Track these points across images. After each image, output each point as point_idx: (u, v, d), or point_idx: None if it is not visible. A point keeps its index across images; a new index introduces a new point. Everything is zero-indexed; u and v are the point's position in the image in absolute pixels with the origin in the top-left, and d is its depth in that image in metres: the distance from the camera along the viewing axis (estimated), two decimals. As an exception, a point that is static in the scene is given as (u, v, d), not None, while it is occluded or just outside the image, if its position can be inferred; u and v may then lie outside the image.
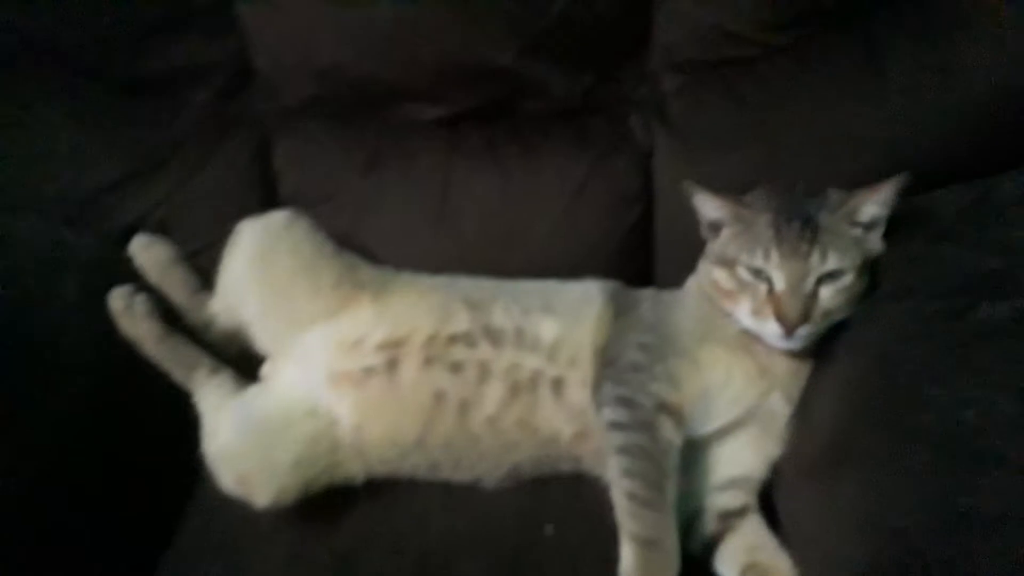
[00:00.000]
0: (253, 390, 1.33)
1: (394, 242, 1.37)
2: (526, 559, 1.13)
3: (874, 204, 1.08)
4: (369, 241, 1.40)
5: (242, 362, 1.35)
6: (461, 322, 1.23)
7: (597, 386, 1.11)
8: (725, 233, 1.14)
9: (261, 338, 1.34)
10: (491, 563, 1.12)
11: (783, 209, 1.09)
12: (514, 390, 1.18)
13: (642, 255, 1.40)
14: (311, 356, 1.26)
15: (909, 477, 0.89)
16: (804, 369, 1.12)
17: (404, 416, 1.20)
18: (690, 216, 1.13)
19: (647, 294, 1.27)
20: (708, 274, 1.16)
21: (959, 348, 0.94)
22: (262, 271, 1.29)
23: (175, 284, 1.41)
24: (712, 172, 1.25)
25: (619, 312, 1.22)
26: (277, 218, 1.32)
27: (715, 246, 1.16)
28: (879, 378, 1.00)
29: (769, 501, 1.12)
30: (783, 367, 1.11)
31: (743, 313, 1.08)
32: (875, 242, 1.10)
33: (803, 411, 1.12)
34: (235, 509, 1.19)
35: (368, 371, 1.21)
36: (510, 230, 1.35)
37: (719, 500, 1.12)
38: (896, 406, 0.95)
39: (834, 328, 1.08)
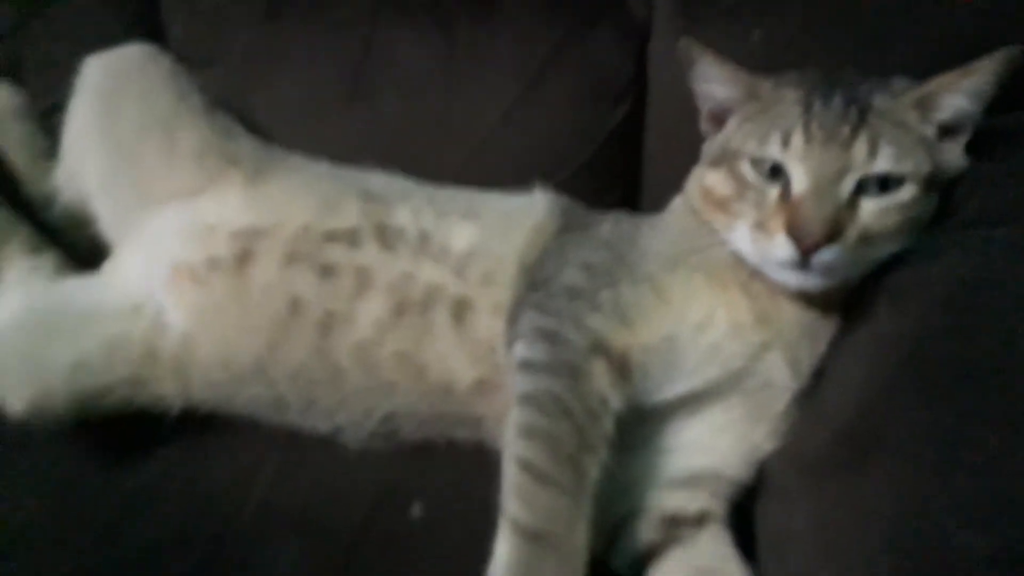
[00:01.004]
0: (75, 279, 1.01)
1: (293, 118, 1.10)
2: (368, 552, 0.77)
3: (961, 94, 0.72)
4: (262, 113, 1.09)
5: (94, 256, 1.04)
6: (347, 216, 0.91)
7: (515, 315, 0.80)
8: (732, 121, 0.80)
9: (103, 217, 1.03)
10: (314, 557, 0.77)
11: (821, 87, 0.74)
12: (399, 309, 0.85)
13: (626, 175, 1.09)
14: (155, 242, 0.95)
15: (966, 468, 0.51)
16: (824, 329, 0.77)
17: (244, 327, 0.88)
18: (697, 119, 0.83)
19: (615, 216, 0.92)
20: (699, 181, 0.82)
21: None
22: (106, 121, 0.99)
23: (16, 141, 1.12)
24: (743, 56, 0.87)
25: (566, 228, 0.89)
26: (129, 52, 1.01)
27: (715, 141, 0.81)
28: (935, 335, 0.62)
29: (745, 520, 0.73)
30: (792, 317, 0.76)
31: (741, 230, 0.74)
32: (954, 153, 0.75)
33: (818, 390, 0.75)
34: (4, 430, 0.85)
35: (213, 263, 0.90)
36: (445, 118, 1.06)
37: (670, 500, 0.76)
38: (958, 375, 0.58)
39: (879, 270, 0.72)
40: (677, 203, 0.86)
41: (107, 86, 0.99)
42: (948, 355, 0.61)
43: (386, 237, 0.89)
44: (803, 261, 0.68)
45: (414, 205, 0.93)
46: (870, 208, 0.69)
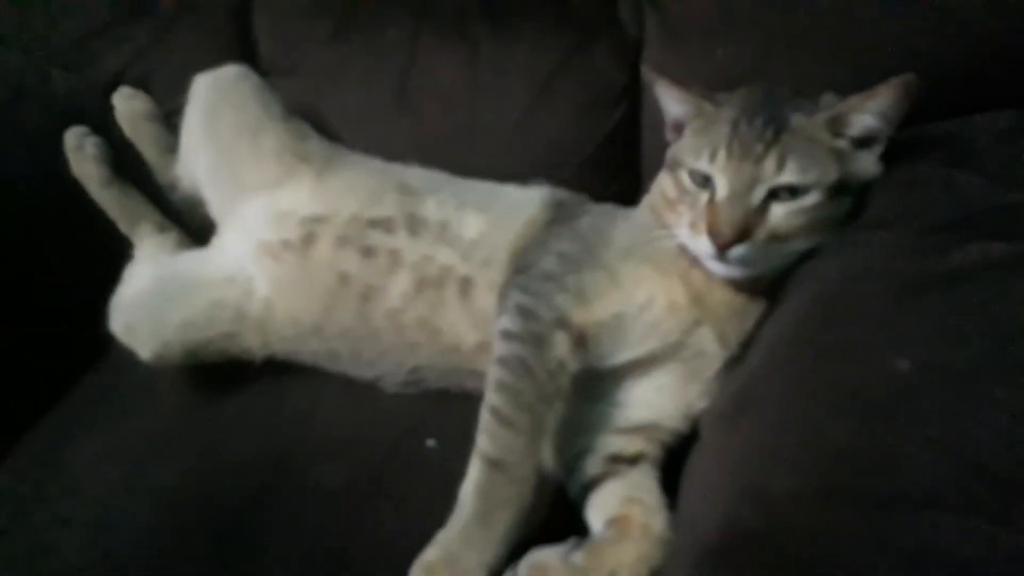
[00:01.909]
0: (190, 253, 1.30)
1: (355, 122, 1.30)
2: (393, 471, 1.01)
3: (867, 113, 0.85)
4: (332, 118, 1.32)
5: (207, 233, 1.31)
6: (387, 207, 1.12)
7: (504, 293, 0.97)
8: (686, 133, 0.95)
9: (211, 202, 1.29)
10: (354, 473, 1.01)
11: (752, 107, 0.88)
12: (420, 284, 1.06)
13: (624, 168, 1.24)
14: (248, 224, 1.20)
15: (799, 437, 0.68)
16: (751, 308, 0.91)
17: (308, 295, 1.12)
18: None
19: (601, 208, 1.09)
20: (659, 184, 0.97)
21: (921, 289, 0.72)
22: (210, 126, 1.24)
23: (148, 139, 1.39)
24: (711, 69, 1.03)
25: (556, 219, 1.06)
26: (227, 72, 1.25)
27: (672, 149, 0.96)
28: (811, 320, 0.78)
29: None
30: (720, 299, 0.91)
31: (682, 227, 0.89)
32: (867, 162, 0.87)
33: (740, 360, 0.90)
34: (139, 370, 1.15)
35: (286, 244, 1.14)
36: (473, 121, 1.24)
37: (614, 442, 0.94)
38: (816, 354, 0.74)
39: (800, 261, 0.87)
40: (644, 201, 1.03)
41: (210, 98, 1.23)
42: (812, 336, 0.77)
43: (414, 225, 1.09)
44: (721, 255, 0.84)
45: (441, 198, 1.13)
46: (778, 212, 0.84)
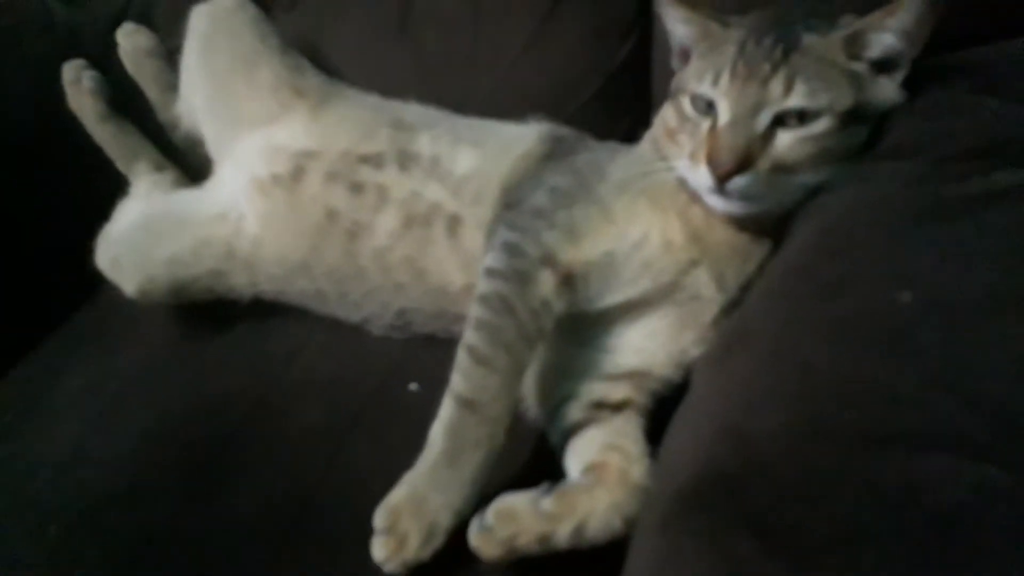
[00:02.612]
0: (184, 191, 1.28)
1: (355, 55, 1.26)
2: (373, 413, 0.99)
3: (887, 32, 0.78)
4: (332, 52, 1.28)
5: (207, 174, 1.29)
6: (378, 142, 1.08)
7: (492, 230, 0.93)
8: (692, 58, 0.89)
9: (208, 139, 1.27)
10: (332, 413, 0.98)
11: (762, 27, 0.82)
12: (407, 222, 1.02)
13: (634, 105, 1.17)
14: (241, 160, 1.17)
15: (787, 373, 0.63)
16: (754, 250, 0.84)
17: (295, 231, 1.09)
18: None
19: (602, 145, 1.04)
20: (662, 114, 0.91)
21: (932, 218, 0.65)
22: (206, 58, 1.21)
23: (150, 76, 1.37)
24: None
25: (553, 154, 1.00)
26: (224, 3, 1.22)
27: (677, 76, 0.90)
28: (812, 252, 0.72)
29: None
30: (720, 238, 0.84)
31: (682, 159, 0.83)
32: (887, 89, 0.80)
33: (739, 304, 0.84)
34: (127, 309, 1.14)
35: (275, 179, 1.11)
36: (475, 51, 1.19)
37: (598, 389, 0.89)
38: (815, 288, 0.68)
39: (807, 199, 0.80)
40: (647, 135, 0.97)
41: (207, 30, 1.20)
42: (811, 269, 0.71)
43: (404, 161, 1.05)
44: (720, 187, 0.78)
45: (435, 133, 1.08)
46: (784, 140, 0.77)
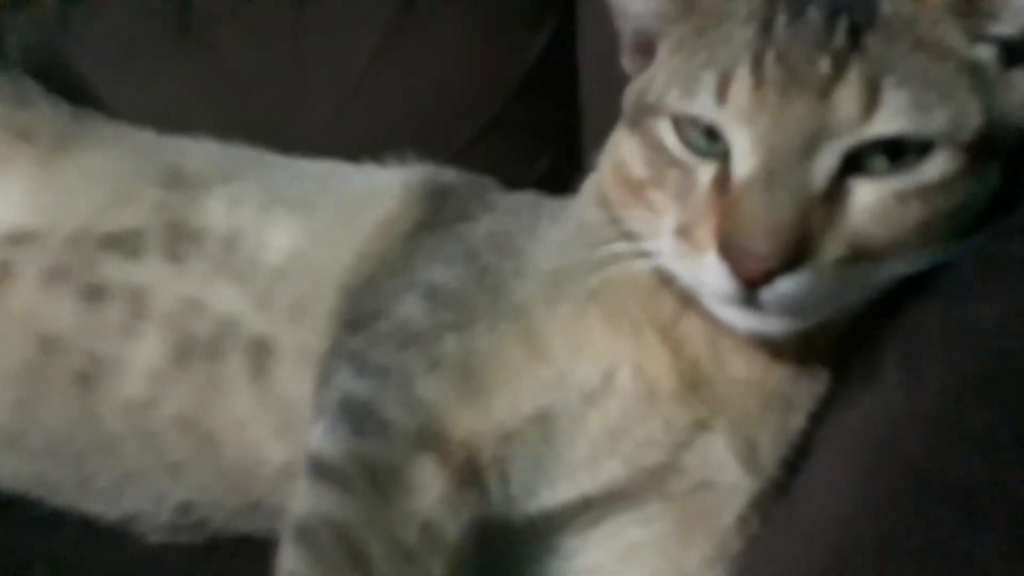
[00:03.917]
0: None
1: (114, 65, 0.88)
2: None
3: None
4: (79, 63, 0.88)
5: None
6: (136, 212, 0.69)
7: (326, 371, 0.57)
8: (662, 51, 0.53)
9: None
10: None
11: (795, -11, 0.47)
12: (180, 353, 0.63)
13: (555, 131, 0.85)
14: None
15: None
16: (803, 391, 0.50)
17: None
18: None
19: (513, 201, 0.68)
20: (614, 151, 0.55)
21: None
22: None
23: None
24: None
25: (431, 223, 0.64)
26: None
27: (637, 84, 0.54)
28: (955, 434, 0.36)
29: None
30: (742, 375, 0.50)
31: (663, 235, 0.47)
32: (1029, 90, 0.46)
33: (794, 492, 0.50)
34: None
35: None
36: (299, 59, 0.86)
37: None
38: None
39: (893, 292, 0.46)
40: (587, 185, 0.59)
41: None
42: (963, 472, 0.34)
43: (177, 242, 0.66)
44: (748, 295, 0.42)
45: (236, 190, 0.70)
46: (868, 199, 0.43)
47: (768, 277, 0.41)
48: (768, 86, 0.43)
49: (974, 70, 0.44)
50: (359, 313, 0.57)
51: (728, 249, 0.42)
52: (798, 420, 0.50)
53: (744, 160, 0.43)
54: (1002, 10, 0.44)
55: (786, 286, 0.41)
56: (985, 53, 0.45)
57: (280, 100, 0.82)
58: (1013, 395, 0.37)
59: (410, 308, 0.54)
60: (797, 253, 0.41)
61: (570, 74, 0.81)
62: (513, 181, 0.74)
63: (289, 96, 0.82)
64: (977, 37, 0.45)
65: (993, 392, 0.37)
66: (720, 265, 0.42)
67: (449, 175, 0.70)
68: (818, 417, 0.50)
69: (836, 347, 0.49)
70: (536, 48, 0.83)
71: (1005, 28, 0.45)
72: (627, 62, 0.57)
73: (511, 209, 0.64)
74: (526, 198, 0.67)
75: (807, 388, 0.50)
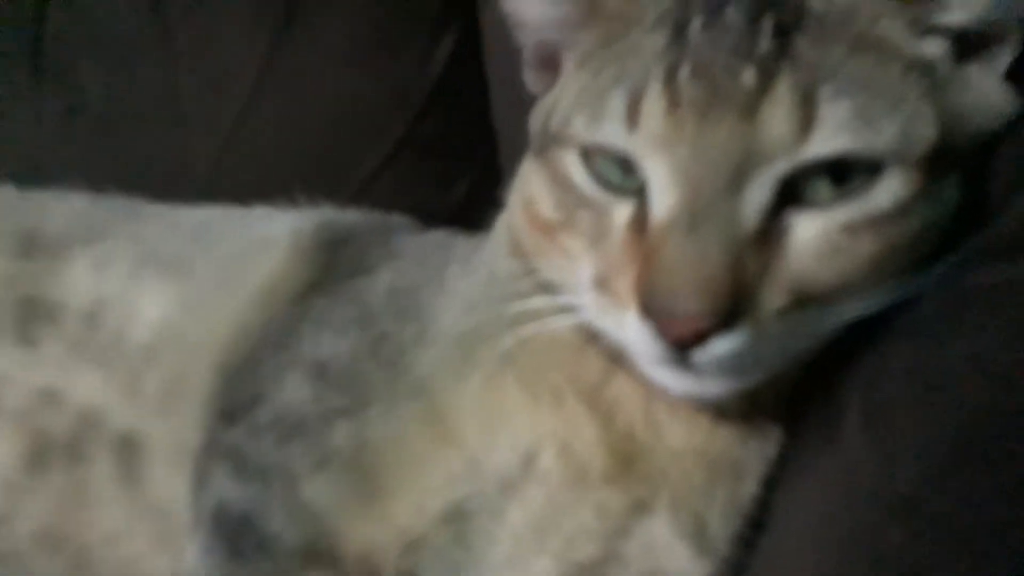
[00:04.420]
0: None
1: None
2: None
3: None
4: None
5: None
6: None
7: (201, 470, 0.48)
8: (568, 65, 0.46)
9: None
10: None
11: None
12: (36, 458, 0.54)
13: (468, 154, 0.76)
14: None
15: None
16: (753, 455, 0.44)
17: None
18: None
19: (419, 246, 0.59)
20: (523, 186, 0.47)
21: None
22: None
23: None
24: None
25: (321, 279, 0.55)
26: None
27: (542, 106, 0.47)
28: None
29: None
30: (682, 444, 0.43)
31: (582, 286, 0.40)
32: (988, 87, 0.40)
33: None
34: None
35: None
36: (171, 92, 0.78)
37: None
38: None
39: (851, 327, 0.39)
40: (498, 227, 0.51)
41: None
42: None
43: (30, 322, 0.57)
44: (680, 356, 0.36)
45: (102, 252, 0.61)
46: (810, 234, 0.36)
47: (700, 338, 0.35)
48: (684, 107, 0.36)
49: (924, 70, 0.37)
50: (237, 399, 0.48)
51: (651, 309, 0.35)
52: (749, 488, 0.43)
53: (662, 197, 0.36)
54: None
55: (722, 347, 0.35)
56: (935, 48, 0.38)
57: (155, 140, 0.73)
58: (1000, 465, 0.30)
59: (294, 391, 0.46)
60: (731, 309, 0.34)
61: (482, 86, 0.73)
62: (430, 211, 0.67)
63: (165, 136, 0.72)
64: (925, 30, 0.38)
65: (977, 467, 0.31)
66: (643, 326, 0.36)
67: (348, 218, 0.62)
68: (772, 482, 0.43)
69: (787, 400, 0.43)
70: (440, 60, 0.75)
71: (957, 16, 0.38)
72: (531, 79, 0.49)
73: (417, 255, 0.55)
74: (436, 239, 0.59)
75: (757, 451, 0.43)
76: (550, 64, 0.47)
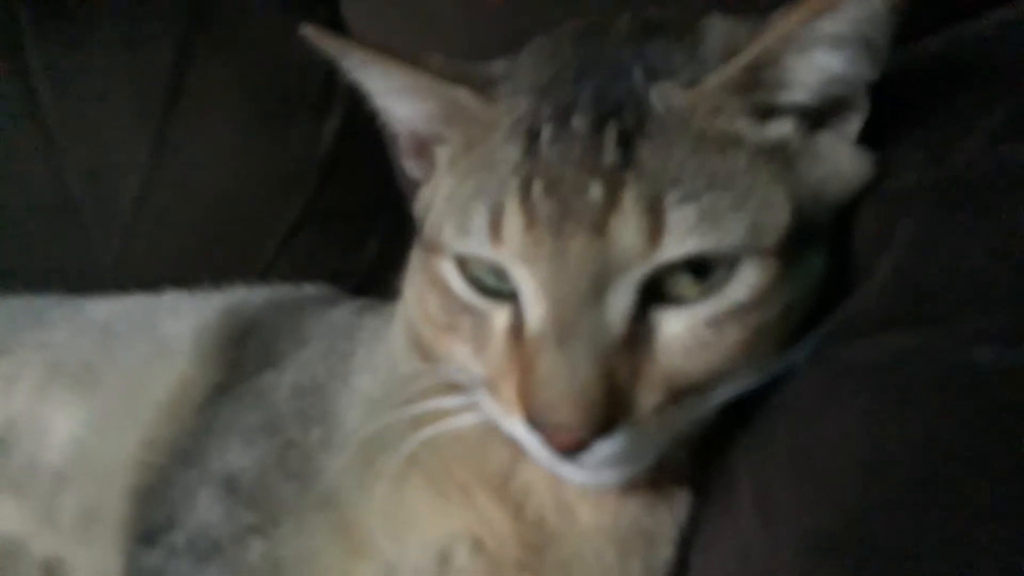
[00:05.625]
0: None
1: None
2: None
3: (821, 48, 0.38)
4: None
5: None
6: None
7: None
8: (440, 158, 0.46)
9: None
10: None
11: (562, 81, 0.41)
12: None
13: (376, 218, 0.76)
14: None
15: None
16: (664, 522, 0.45)
17: None
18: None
19: (332, 321, 0.59)
20: (414, 276, 0.48)
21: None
22: None
23: None
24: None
25: (227, 379, 0.55)
26: None
27: (423, 195, 0.48)
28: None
29: None
30: (590, 522, 0.45)
31: (478, 387, 0.41)
32: (837, 155, 0.41)
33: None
34: None
35: None
36: (54, 175, 0.72)
37: None
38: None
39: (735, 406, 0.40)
40: (397, 318, 0.52)
41: None
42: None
43: None
44: (569, 456, 0.37)
45: (10, 366, 0.60)
46: (675, 330, 0.37)
47: (582, 445, 0.36)
48: (541, 224, 0.36)
49: (772, 153, 0.38)
50: (153, 520, 0.48)
51: (533, 420, 0.36)
52: (664, 553, 0.44)
53: (533, 307, 0.37)
54: (790, 77, 0.38)
55: (605, 449, 0.36)
56: (782, 128, 0.39)
57: (55, 234, 0.71)
58: (869, 554, 0.32)
59: (206, 510, 0.46)
60: (607, 417, 0.35)
61: (377, 151, 0.72)
62: (346, 272, 0.68)
63: (63, 236, 0.70)
64: (769, 112, 0.39)
65: (849, 551, 0.33)
66: (531, 434, 0.37)
67: (257, 299, 0.62)
68: (687, 541, 0.45)
69: (694, 460, 0.44)
70: (330, 132, 0.74)
71: (799, 95, 0.39)
72: (409, 166, 0.50)
73: (323, 343, 0.55)
74: (344, 319, 0.58)
75: (668, 516, 0.44)
76: (424, 152, 0.48)
